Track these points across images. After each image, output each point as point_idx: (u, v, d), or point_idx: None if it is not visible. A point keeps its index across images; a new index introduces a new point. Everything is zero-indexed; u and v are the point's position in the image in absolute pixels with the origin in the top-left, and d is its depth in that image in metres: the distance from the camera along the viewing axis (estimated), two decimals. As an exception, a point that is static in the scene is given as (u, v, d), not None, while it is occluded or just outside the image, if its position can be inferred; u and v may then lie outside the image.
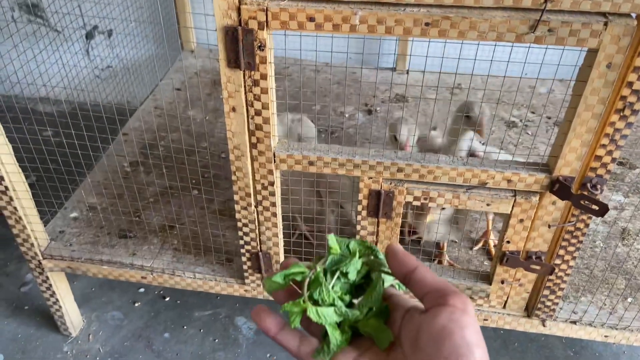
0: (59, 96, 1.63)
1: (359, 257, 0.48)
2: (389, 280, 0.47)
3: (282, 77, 2.05)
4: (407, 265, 0.45)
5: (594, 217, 1.12)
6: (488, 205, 1.16)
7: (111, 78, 2.44)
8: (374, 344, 0.45)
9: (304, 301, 0.46)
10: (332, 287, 0.46)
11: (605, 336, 1.37)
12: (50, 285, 1.59)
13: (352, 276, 0.47)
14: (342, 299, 0.46)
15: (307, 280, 0.46)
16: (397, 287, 0.48)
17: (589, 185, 1.07)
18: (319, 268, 0.47)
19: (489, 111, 1.38)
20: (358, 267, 0.47)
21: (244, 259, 1.39)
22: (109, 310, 1.84)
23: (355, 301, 0.47)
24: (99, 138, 1.41)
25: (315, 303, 0.46)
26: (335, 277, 0.47)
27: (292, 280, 0.48)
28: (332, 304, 0.46)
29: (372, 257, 0.49)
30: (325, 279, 0.46)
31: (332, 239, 0.48)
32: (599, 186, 1.07)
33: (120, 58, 2.41)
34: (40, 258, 1.52)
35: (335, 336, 0.45)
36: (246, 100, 1.06)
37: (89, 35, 2.51)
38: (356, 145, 1.92)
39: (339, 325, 0.46)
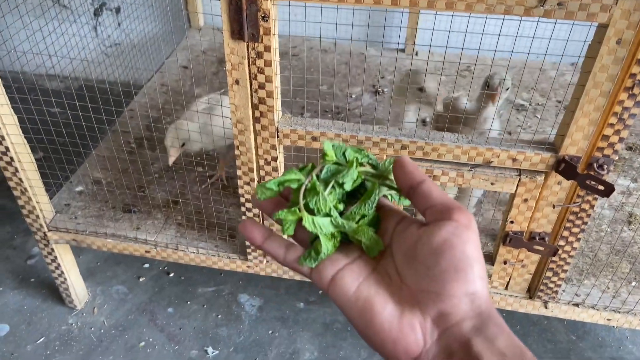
0: (64, 71, 1.63)
1: (355, 167, 0.46)
2: (382, 191, 0.46)
3: (286, 50, 2.02)
4: (415, 177, 0.43)
5: (600, 200, 1.11)
6: (492, 184, 1.15)
7: (119, 55, 2.43)
8: (363, 252, 0.45)
9: (299, 210, 0.44)
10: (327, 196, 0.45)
11: (608, 319, 1.37)
12: (56, 257, 1.61)
13: (348, 187, 0.45)
14: (336, 207, 0.45)
15: (304, 188, 0.45)
16: (389, 197, 0.47)
17: (595, 165, 1.05)
18: (315, 176, 0.45)
19: (510, 83, 1.36)
20: (354, 177, 0.45)
21: (246, 234, 1.39)
22: (114, 284, 1.86)
23: (349, 208, 0.46)
24: (104, 112, 1.41)
25: (311, 212, 0.44)
26: (330, 186, 0.45)
27: (286, 188, 0.46)
28: (328, 214, 0.44)
29: (368, 166, 0.47)
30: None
31: (327, 145, 0.46)
32: (605, 166, 1.05)
33: (127, 34, 2.41)
34: (46, 230, 1.54)
35: (327, 245, 0.44)
36: (249, 73, 1.05)
37: (97, 13, 2.50)
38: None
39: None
